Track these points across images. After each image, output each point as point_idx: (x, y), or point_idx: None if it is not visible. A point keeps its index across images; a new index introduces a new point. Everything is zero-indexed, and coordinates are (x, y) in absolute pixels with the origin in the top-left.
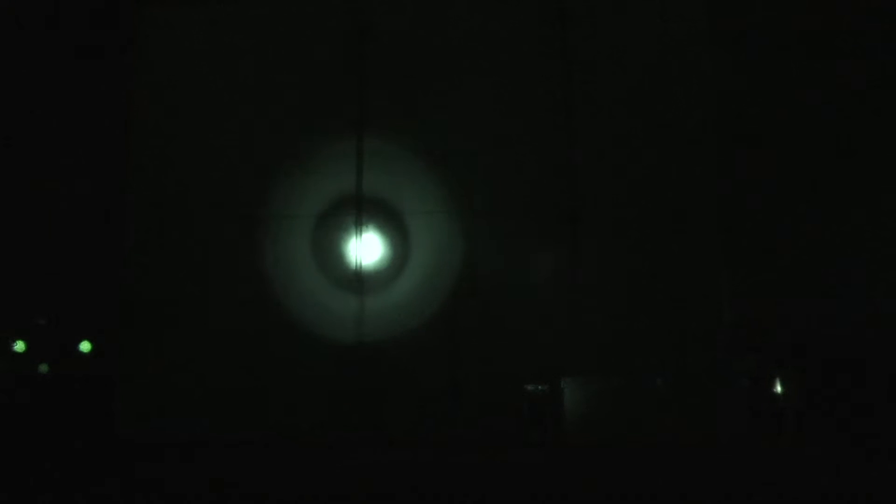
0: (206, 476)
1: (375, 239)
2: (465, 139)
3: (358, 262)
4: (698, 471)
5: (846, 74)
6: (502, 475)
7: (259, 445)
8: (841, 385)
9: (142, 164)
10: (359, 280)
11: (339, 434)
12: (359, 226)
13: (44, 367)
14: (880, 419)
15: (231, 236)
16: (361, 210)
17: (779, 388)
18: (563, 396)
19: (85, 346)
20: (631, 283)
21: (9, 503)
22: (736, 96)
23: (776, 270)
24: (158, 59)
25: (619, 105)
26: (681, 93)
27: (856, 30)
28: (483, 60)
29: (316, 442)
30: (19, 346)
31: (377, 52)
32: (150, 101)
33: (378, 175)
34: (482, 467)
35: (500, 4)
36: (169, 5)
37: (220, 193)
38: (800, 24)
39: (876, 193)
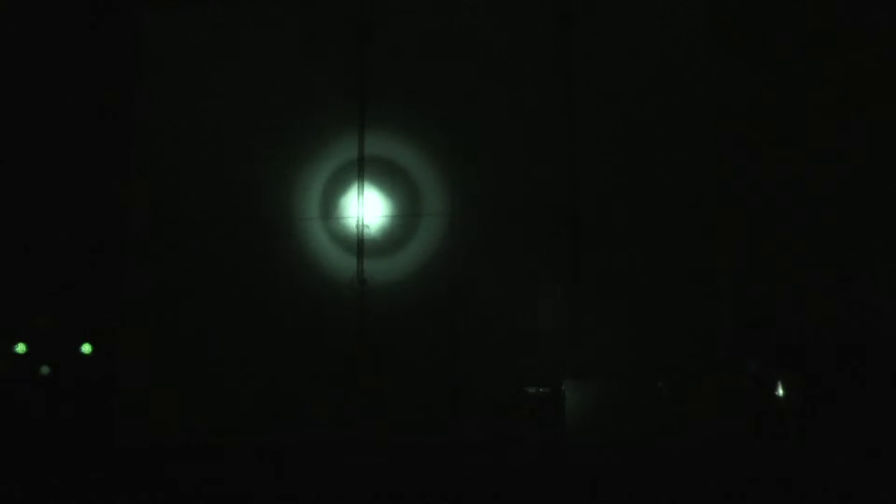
0: (207, 478)
1: (376, 241)
2: (467, 140)
3: (359, 264)
4: (699, 472)
5: (847, 74)
6: (503, 476)
7: (259, 446)
8: (841, 386)
9: (143, 166)
10: (360, 282)
11: (339, 435)
12: (360, 228)
13: (44, 369)
14: (880, 420)
15: (232, 238)
16: (363, 212)
17: (780, 390)
18: (564, 398)
19: (86, 348)
20: (632, 286)
21: None
22: (737, 97)
23: (777, 272)
24: (160, 61)
25: (620, 106)
26: (682, 94)
27: (856, 29)
28: (484, 61)
29: (317, 443)
30: (20, 347)
31: (377, 51)
32: (151, 103)
33: (379, 177)
34: (483, 468)
35: (503, 5)
36: (171, 7)
37: (221, 195)
38: (800, 24)
39: (877, 194)
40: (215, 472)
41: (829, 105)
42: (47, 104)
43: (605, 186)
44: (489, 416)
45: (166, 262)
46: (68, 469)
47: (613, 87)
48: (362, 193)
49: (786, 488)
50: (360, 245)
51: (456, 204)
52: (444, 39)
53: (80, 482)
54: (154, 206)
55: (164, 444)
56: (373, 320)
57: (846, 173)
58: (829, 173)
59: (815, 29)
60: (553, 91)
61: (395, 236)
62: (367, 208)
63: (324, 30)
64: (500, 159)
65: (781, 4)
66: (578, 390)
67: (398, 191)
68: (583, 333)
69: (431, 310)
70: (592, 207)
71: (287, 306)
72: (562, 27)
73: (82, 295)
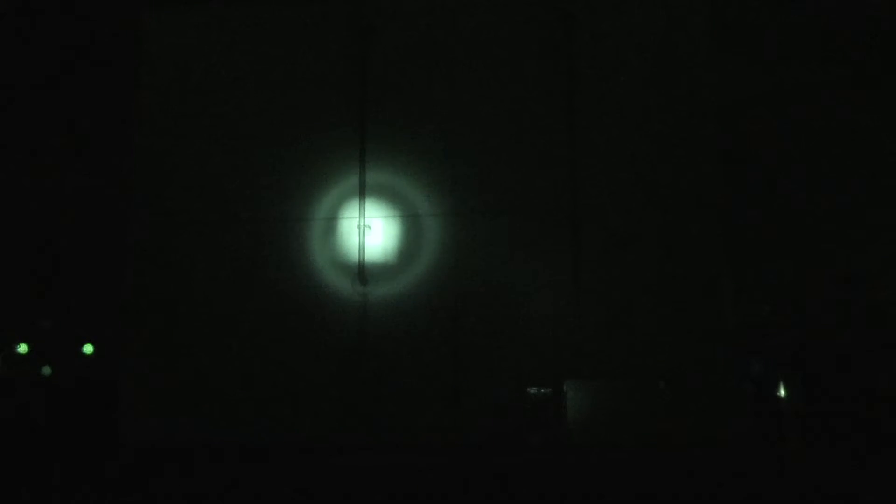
0: (208, 477)
1: (378, 241)
2: (468, 141)
3: (360, 264)
4: (701, 473)
5: (846, 78)
6: (504, 477)
7: (261, 447)
8: (842, 387)
9: (145, 167)
10: (361, 283)
11: (340, 435)
12: (361, 228)
13: (46, 370)
14: (881, 421)
15: (233, 239)
16: (364, 212)
17: (781, 391)
18: (566, 399)
19: (87, 349)
20: (633, 287)
21: None
22: (737, 100)
23: (778, 274)
24: (162, 62)
25: (621, 108)
26: (683, 97)
27: (856, 34)
28: (485, 62)
29: (318, 443)
30: (22, 348)
31: (378, 53)
32: (153, 104)
33: (380, 177)
34: (485, 469)
35: (503, 6)
36: (173, 8)
37: (222, 196)
38: (801, 28)
39: (876, 197)
40: (216, 473)
41: (828, 109)
42: (47, 105)
43: (606, 187)
44: (489, 416)
45: (167, 262)
46: (69, 469)
47: (614, 88)
48: (363, 194)
49: (786, 488)
50: (361, 245)
51: (457, 205)
52: (445, 40)
53: (80, 482)
54: (154, 207)
55: (164, 445)
56: (374, 320)
57: (847, 176)
58: (830, 173)
59: (815, 29)
60: (554, 92)
61: (397, 237)
62: (368, 209)
63: (324, 31)
64: (502, 160)
65: (782, 5)
66: (579, 390)
67: (399, 192)
68: (584, 334)
69: (432, 310)
70: (593, 208)
71: (288, 307)
72: (562, 28)
73: (83, 296)
